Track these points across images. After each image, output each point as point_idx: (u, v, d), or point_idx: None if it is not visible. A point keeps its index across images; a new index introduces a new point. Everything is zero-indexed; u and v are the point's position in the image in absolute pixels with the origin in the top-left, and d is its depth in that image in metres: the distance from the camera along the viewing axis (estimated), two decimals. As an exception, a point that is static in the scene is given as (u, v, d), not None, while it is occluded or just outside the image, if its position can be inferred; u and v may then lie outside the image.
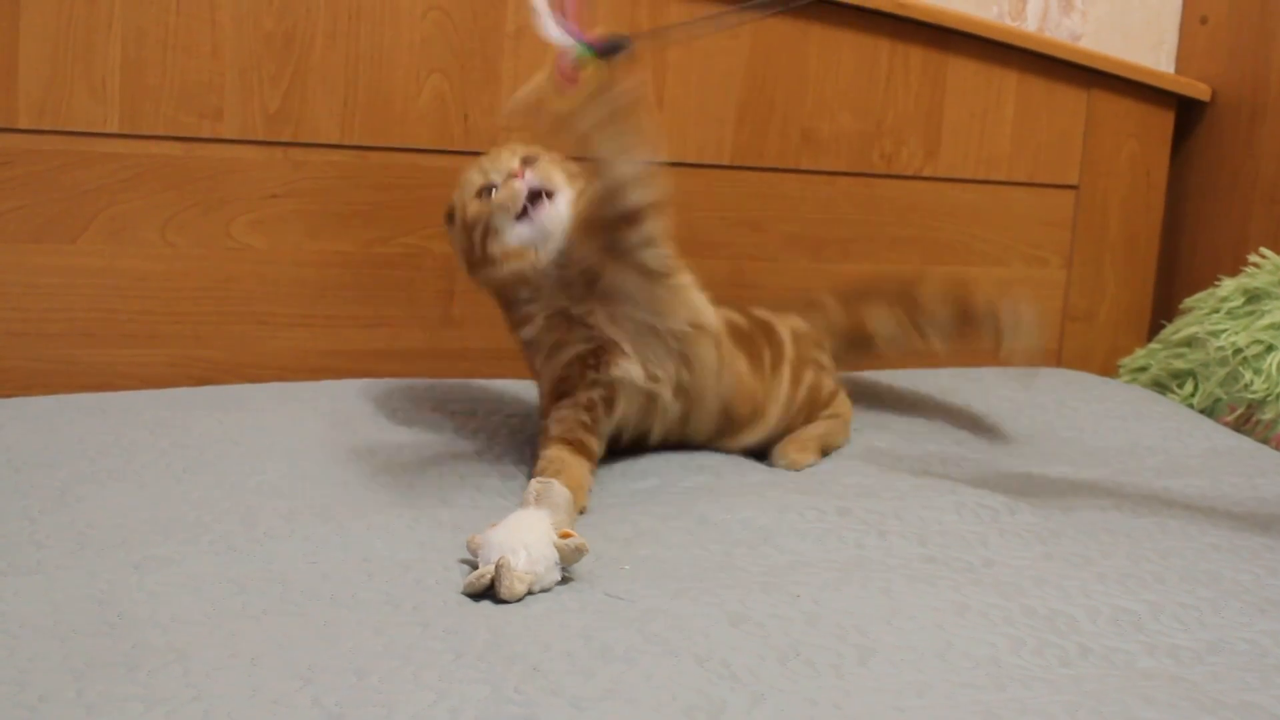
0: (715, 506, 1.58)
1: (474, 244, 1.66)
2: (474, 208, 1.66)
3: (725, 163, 2.25)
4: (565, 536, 1.34)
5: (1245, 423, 2.11)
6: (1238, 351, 2.14)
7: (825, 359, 1.93)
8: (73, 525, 1.41)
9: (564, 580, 1.34)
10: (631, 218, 1.60)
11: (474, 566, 1.34)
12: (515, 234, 1.64)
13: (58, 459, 1.59)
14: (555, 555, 1.33)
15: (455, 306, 2.10)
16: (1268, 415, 2.07)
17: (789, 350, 1.85)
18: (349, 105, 2.02)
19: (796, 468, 1.78)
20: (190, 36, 1.93)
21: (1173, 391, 2.26)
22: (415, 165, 2.06)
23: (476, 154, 2.10)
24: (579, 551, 1.34)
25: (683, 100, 2.19)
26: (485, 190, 1.66)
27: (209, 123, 1.96)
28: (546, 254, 1.64)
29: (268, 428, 1.74)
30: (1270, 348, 2.11)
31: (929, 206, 2.38)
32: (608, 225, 1.61)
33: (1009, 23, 2.43)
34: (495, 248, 1.65)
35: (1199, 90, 2.50)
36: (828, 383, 1.90)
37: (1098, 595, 1.38)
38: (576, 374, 1.66)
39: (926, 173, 2.37)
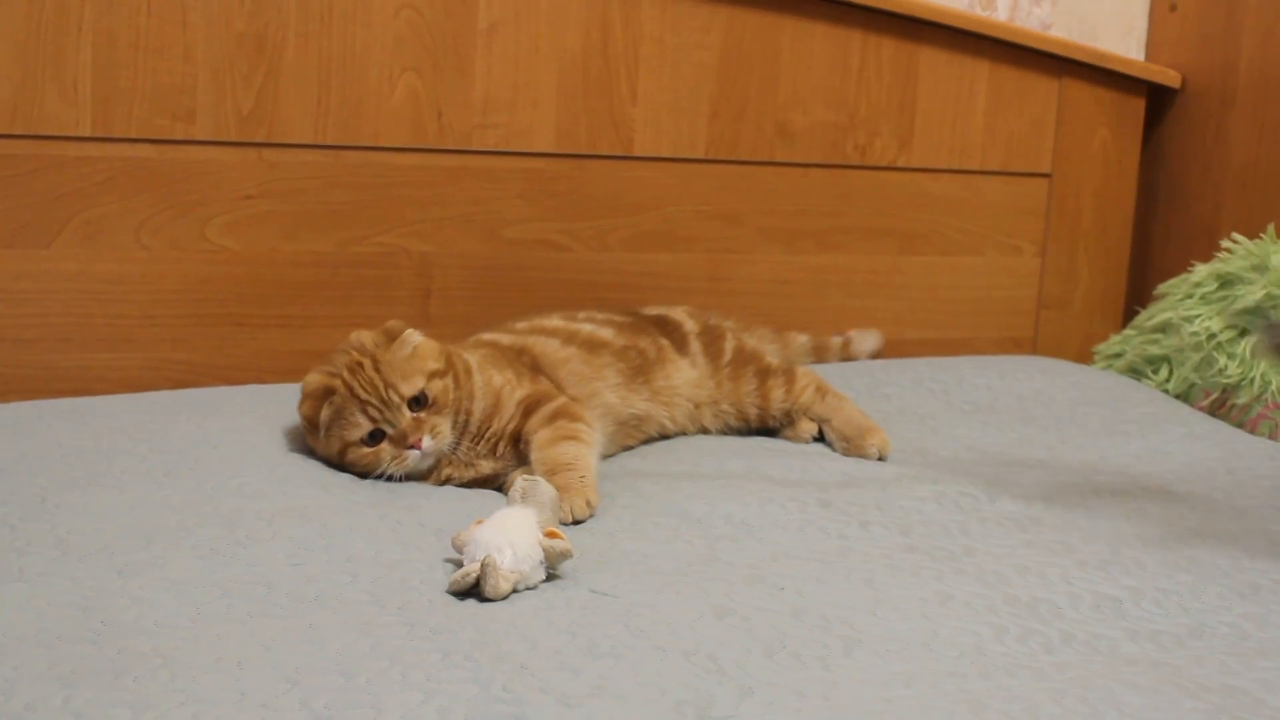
0: (696, 500, 1.58)
1: (343, 465, 1.62)
2: (356, 455, 1.61)
3: (699, 156, 2.25)
4: (551, 536, 1.34)
5: (1220, 407, 2.12)
6: (1211, 336, 2.15)
7: (731, 322, 2.04)
8: (54, 532, 1.41)
9: (549, 577, 1.34)
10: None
11: (459, 565, 1.34)
12: (392, 469, 1.61)
13: (36, 465, 1.58)
14: (541, 553, 1.33)
15: (432, 304, 2.10)
16: (1242, 399, 2.09)
17: (691, 325, 1.96)
18: (322, 105, 2.01)
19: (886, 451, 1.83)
20: (161, 38, 1.92)
21: (1148, 377, 2.27)
22: (390, 164, 2.06)
23: (450, 152, 2.11)
24: (564, 555, 1.34)
25: (656, 94, 2.20)
26: (371, 436, 1.60)
27: (182, 125, 1.95)
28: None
29: (247, 430, 1.74)
30: (1243, 332, 2.13)
31: (903, 197, 2.39)
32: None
33: (979, 13, 2.43)
34: (366, 474, 1.62)
35: (1169, 77, 2.51)
36: (749, 340, 2.00)
37: (1079, 582, 1.39)
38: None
39: (900, 163, 2.38)
